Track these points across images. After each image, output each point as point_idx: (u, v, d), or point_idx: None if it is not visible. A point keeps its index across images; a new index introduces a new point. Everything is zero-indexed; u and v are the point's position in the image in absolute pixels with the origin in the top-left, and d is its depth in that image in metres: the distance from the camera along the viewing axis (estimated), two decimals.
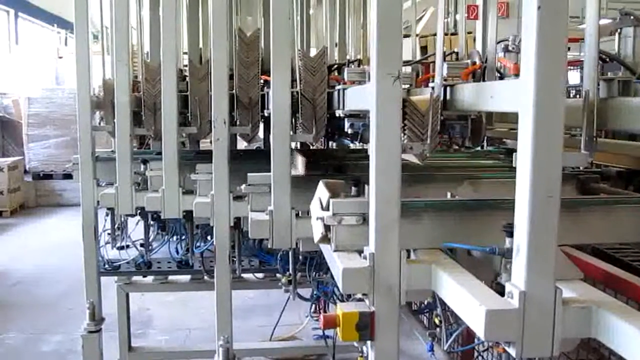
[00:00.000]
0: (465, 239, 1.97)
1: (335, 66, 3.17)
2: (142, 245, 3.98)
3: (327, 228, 2.03)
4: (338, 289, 3.32)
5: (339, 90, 2.47)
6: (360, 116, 2.43)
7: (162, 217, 3.45)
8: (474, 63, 2.08)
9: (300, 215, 2.67)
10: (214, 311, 3.39)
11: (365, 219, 1.99)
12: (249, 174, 2.82)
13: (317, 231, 2.08)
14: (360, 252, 1.96)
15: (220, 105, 3.08)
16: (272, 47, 2.54)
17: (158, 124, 3.51)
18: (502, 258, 1.71)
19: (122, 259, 4.20)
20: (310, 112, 2.72)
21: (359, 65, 2.93)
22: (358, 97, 2.26)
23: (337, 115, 2.75)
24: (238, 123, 3.30)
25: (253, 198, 2.82)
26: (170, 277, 4.78)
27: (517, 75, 1.61)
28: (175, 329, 5.88)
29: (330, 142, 4.64)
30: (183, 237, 4.08)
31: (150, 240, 4.00)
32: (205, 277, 4.61)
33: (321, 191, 2.09)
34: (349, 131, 2.40)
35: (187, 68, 3.79)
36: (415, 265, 1.86)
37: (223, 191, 3.18)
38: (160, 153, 4.09)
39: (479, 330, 1.48)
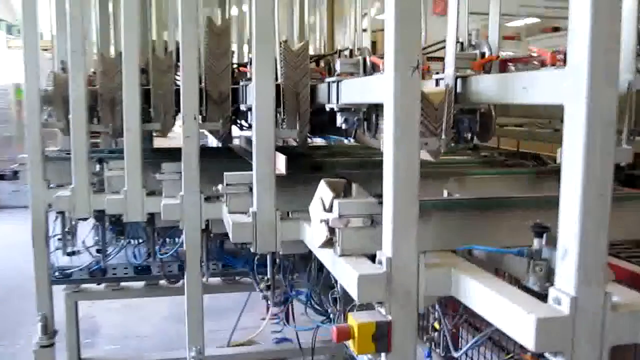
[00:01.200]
0: (476, 239, 1.86)
1: (315, 58, 3.02)
2: (98, 251, 3.71)
3: (331, 231, 1.88)
4: (315, 294, 3.17)
5: (329, 82, 2.32)
6: (352, 110, 2.28)
7: (124, 221, 3.21)
8: (482, 54, 1.97)
9: (282, 216, 2.51)
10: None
11: (373, 221, 1.85)
12: (226, 173, 2.63)
13: (320, 235, 1.92)
14: (368, 256, 1.83)
15: (190, 100, 2.88)
16: (255, 38, 2.36)
17: (117, 120, 3.26)
18: (530, 260, 1.60)
19: (73, 265, 3.92)
20: (294, 106, 2.55)
21: (350, 56, 2.78)
22: (362, 90, 2.11)
23: (319, 110, 2.60)
24: (207, 119, 3.10)
25: (230, 199, 2.64)
26: (123, 284, 4.50)
27: (553, 65, 1.51)
28: (125, 337, 5.57)
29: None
30: (141, 242, 3.83)
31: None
32: (161, 283, 4.39)
33: (323, 191, 1.94)
34: (343, 126, 2.25)
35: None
36: (433, 270, 1.73)
37: (194, 192, 2.98)
38: (113, 152, 3.85)
39: (528, 340, 1.36)
